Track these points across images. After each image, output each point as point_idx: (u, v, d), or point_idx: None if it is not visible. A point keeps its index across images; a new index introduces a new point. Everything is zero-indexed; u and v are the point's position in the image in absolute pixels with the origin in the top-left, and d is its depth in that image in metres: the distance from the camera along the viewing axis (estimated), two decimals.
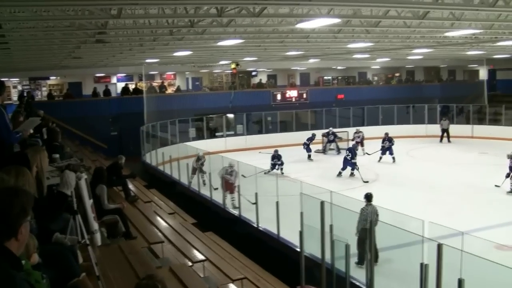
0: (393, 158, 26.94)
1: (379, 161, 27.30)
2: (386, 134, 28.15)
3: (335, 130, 31.74)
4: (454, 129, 35.11)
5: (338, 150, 30.30)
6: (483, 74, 45.73)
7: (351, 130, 31.70)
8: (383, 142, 27.63)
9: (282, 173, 23.44)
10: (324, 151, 31.07)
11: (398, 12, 14.67)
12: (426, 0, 12.46)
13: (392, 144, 27.16)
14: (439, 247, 7.96)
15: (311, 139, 29.04)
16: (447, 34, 18.97)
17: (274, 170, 23.64)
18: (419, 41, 22.57)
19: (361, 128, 31.39)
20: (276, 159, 24.31)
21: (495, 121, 37.12)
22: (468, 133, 35.90)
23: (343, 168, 23.52)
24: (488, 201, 19.04)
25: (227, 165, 17.89)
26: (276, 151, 24.93)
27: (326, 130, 31.61)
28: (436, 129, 35.89)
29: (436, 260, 8.00)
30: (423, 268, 8.28)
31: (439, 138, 34.42)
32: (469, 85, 47.02)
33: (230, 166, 17.77)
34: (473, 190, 20.76)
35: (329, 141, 31.05)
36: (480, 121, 37.57)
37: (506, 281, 7.65)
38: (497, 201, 19.06)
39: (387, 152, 27.10)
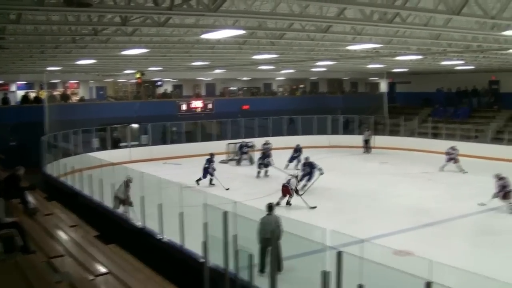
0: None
1: (285, 168, 27.71)
2: (297, 145, 28.91)
3: (240, 140, 32.01)
4: (356, 139, 36.12)
5: (251, 161, 30.50)
6: (383, 86, 47.42)
7: (257, 141, 31.96)
8: (295, 153, 28.50)
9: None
10: (238, 162, 31.04)
11: (302, 25, 14.96)
12: (329, 15, 12.76)
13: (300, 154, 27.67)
14: (339, 254, 8.14)
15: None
16: (349, 47, 19.53)
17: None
18: (322, 54, 23.09)
19: (267, 139, 31.75)
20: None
21: (394, 132, 38.46)
22: (370, 143, 37.02)
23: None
24: (388, 209, 19.67)
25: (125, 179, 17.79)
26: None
27: (239, 141, 31.72)
28: (338, 139, 36.84)
29: (336, 268, 8.18)
30: (324, 275, 8.44)
31: (342, 148, 35.28)
32: (370, 97, 48.52)
33: (125, 181, 17.60)
34: (374, 198, 21.39)
35: (243, 153, 31.13)
36: (381, 132, 38.81)
37: (403, 285, 7.89)
38: (396, 208, 19.73)
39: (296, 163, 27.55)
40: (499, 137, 33.55)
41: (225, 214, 10.58)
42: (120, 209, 17.49)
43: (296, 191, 20.24)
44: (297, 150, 28.84)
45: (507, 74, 38.16)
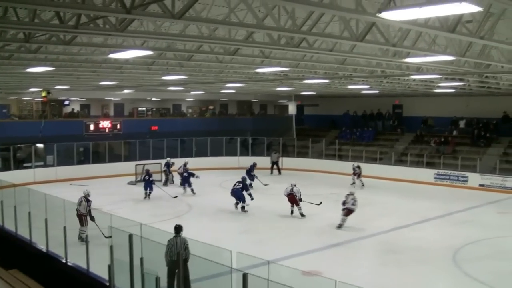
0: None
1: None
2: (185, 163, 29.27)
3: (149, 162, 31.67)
4: (265, 161, 36.42)
5: (172, 181, 30.22)
6: (292, 109, 48.20)
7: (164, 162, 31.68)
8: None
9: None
10: (165, 183, 30.46)
11: (211, 47, 15.03)
12: (237, 37, 12.88)
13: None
14: (244, 276, 8.16)
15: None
16: (258, 70, 19.77)
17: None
18: (231, 76, 23.27)
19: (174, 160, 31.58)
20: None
21: (302, 153, 39.09)
22: (279, 164, 37.47)
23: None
24: (296, 230, 19.93)
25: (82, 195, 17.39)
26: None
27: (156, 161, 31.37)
28: (248, 160, 37.02)
29: None
30: None
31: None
32: (279, 119, 49.26)
33: (84, 196, 17.25)
34: (283, 219, 21.60)
35: (169, 172, 30.63)
36: (289, 153, 39.36)
37: None
38: (304, 229, 20.01)
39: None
40: (402, 159, 34.74)
41: (130, 236, 10.41)
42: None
43: (300, 200, 21.70)
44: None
45: (410, 99, 39.81)
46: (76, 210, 17.14)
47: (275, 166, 36.15)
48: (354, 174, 29.80)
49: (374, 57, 15.21)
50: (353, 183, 29.38)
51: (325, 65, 18.57)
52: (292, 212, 21.98)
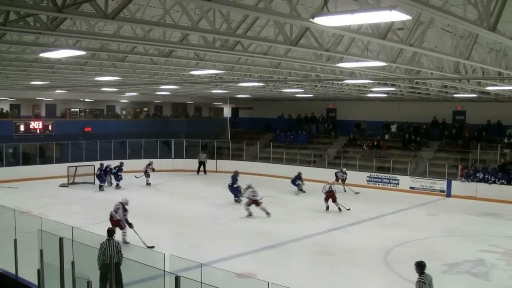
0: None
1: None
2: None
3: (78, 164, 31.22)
4: (195, 162, 36.45)
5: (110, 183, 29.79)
6: (227, 111, 48.28)
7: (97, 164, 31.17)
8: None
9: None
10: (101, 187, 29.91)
11: (145, 49, 14.90)
12: (172, 39, 12.82)
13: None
14: (177, 279, 8.13)
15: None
16: (193, 72, 19.69)
17: None
18: (166, 78, 23.12)
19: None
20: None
21: (237, 156, 39.17)
22: (213, 167, 37.45)
23: None
24: (230, 233, 19.95)
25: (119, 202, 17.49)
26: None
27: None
28: (182, 163, 36.94)
29: None
30: None
31: (186, 172, 35.43)
32: (214, 122, 49.28)
33: (122, 203, 17.33)
34: (216, 222, 21.61)
35: (106, 173, 30.08)
36: (224, 156, 39.38)
37: None
38: (238, 232, 20.06)
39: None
40: (336, 162, 35.24)
41: (60, 240, 10.22)
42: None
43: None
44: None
45: (343, 103, 40.51)
46: (111, 215, 17.25)
47: (201, 167, 36.76)
48: (341, 180, 29.46)
49: (308, 61, 15.36)
50: (345, 191, 28.97)
51: (260, 68, 18.66)
52: (327, 208, 23.64)
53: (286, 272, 14.90)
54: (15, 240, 13.04)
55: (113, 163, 30.51)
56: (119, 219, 17.16)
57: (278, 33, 11.15)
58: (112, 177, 29.44)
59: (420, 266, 10.36)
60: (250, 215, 22.27)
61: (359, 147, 36.81)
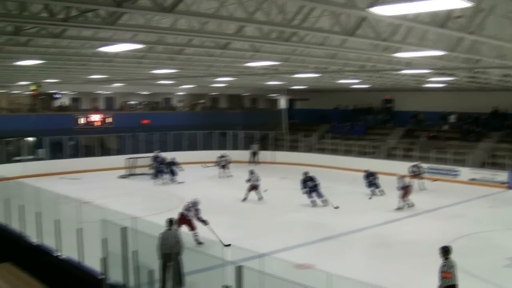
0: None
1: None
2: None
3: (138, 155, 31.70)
4: (258, 154, 36.64)
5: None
6: (283, 103, 48.17)
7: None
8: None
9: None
10: (156, 175, 30.42)
11: (201, 41, 15.01)
12: (228, 31, 12.89)
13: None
14: (239, 269, 8.18)
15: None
16: (248, 64, 19.75)
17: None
18: (222, 70, 23.24)
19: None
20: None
21: (293, 147, 39.14)
22: (270, 158, 37.54)
23: None
24: (287, 224, 19.97)
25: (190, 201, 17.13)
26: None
27: (153, 154, 31.22)
28: (239, 154, 37.10)
29: (236, 282, 8.22)
30: None
31: (242, 164, 35.60)
32: (270, 113, 49.22)
33: (193, 203, 16.99)
34: (273, 213, 21.67)
35: (158, 163, 30.50)
36: (280, 147, 39.40)
37: None
38: (295, 223, 20.08)
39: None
40: (393, 153, 34.82)
41: (123, 229, 10.43)
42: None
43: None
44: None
45: (400, 93, 39.90)
46: (182, 215, 16.65)
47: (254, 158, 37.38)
48: (415, 176, 26.86)
49: (364, 51, 15.23)
50: (425, 188, 27.13)
51: (316, 59, 18.59)
52: (409, 206, 22.47)
53: (344, 264, 14.80)
54: (79, 230, 13.40)
55: (169, 155, 30.85)
56: (190, 219, 16.71)
57: (334, 23, 11.09)
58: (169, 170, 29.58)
59: (446, 251, 10.29)
60: (245, 199, 23.74)
61: (416, 138, 36.27)
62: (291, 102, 48.63)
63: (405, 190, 22.31)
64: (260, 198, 23.75)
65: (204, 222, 16.46)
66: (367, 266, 15.02)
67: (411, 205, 22.44)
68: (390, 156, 34.80)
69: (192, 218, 16.70)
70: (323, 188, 23.24)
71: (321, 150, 38.04)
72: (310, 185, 22.91)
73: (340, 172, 29.09)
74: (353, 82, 30.89)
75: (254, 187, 23.84)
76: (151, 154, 31.09)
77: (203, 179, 29.75)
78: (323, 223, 19.96)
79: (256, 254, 9.00)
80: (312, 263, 13.94)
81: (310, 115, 45.80)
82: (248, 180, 23.89)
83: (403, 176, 22.91)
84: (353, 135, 39.72)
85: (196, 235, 16.23)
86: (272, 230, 18.99)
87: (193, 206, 16.93)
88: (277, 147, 39.44)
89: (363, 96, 41.92)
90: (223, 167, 31.24)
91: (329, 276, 7.29)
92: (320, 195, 22.82)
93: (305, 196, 22.71)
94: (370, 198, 24.92)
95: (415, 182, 25.81)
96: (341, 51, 15.49)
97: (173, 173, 28.71)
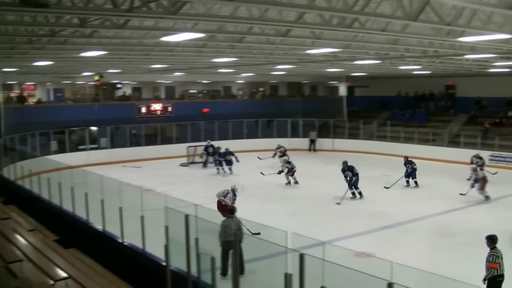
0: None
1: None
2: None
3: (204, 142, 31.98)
4: (316, 142, 36.54)
5: (205, 164, 30.43)
6: (342, 90, 47.88)
7: (217, 144, 31.95)
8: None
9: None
10: (205, 164, 30.87)
11: (261, 29, 15.00)
12: (288, 19, 12.84)
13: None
14: (301, 257, 8.17)
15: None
16: (308, 51, 19.65)
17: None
18: (282, 58, 23.18)
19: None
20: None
21: (353, 135, 38.85)
22: (330, 146, 37.37)
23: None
24: (347, 212, 19.89)
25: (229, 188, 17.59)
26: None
27: (205, 143, 31.50)
28: (299, 142, 37.08)
29: (299, 270, 8.21)
30: (287, 277, 8.46)
31: (301, 152, 35.57)
32: (330, 101, 48.92)
33: (232, 190, 17.48)
34: (332, 201, 21.57)
35: (209, 154, 30.83)
36: (340, 135, 39.16)
37: (365, 287, 7.98)
38: (355, 211, 19.97)
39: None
40: (456, 140, 34.15)
41: (186, 217, 10.54)
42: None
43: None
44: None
45: (463, 79, 38.96)
46: (219, 201, 17.11)
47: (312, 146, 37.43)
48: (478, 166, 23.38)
49: (426, 36, 14.93)
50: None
51: (376, 45, 18.34)
52: (487, 198, 21.42)
53: (405, 253, 14.64)
54: (142, 217, 13.64)
55: (229, 143, 31.02)
56: (227, 204, 16.93)
57: (396, 8, 10.91)
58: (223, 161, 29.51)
59: (492, 240, 10.09)
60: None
61: (480, 125, 35.42)
62: (350, 89, 48.26)
63: (483, 181, 21.43)
64: (295, 182, 24.92)
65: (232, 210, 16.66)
66: (429, 256, 14.81)
67: (487, 198, 21.53)
68: (452, 143, 34.11)
69: (228, 204, 16.90)
70: (382, 175, 22.99)
71: (381, 138, 37.60)
72: (349, 176, 22.52)
73: (400, 159, 28.60)
74: (415, 68, 30.37)
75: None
76: (212, 143, 31.39)
77: (262, 168, 29.82)
78: (383, 211, 19.77)
79: (316, 242, 8.98)
80: (372, 251, 13.83)
81: (370, 102, 45.34)
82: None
83: (476, 168, 22.00)
84: (414, 122, 39.17)
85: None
86: (331, 218, 18.96)
87: (232, 193, 17.32)
88: (336, 134, 39.20)
89: (424, 82, 41.19)
90: (280, 157, 30.90)
91: (392, 265, 7.20)
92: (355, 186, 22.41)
93: (368, 184, 22.47)
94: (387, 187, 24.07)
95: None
96: (402, 36, 15.20)
97: (229, 163, 28.72)
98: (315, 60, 24.39)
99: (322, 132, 39.11)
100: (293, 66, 28.78)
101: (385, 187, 22.63)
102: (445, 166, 29.18)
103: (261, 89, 53.16)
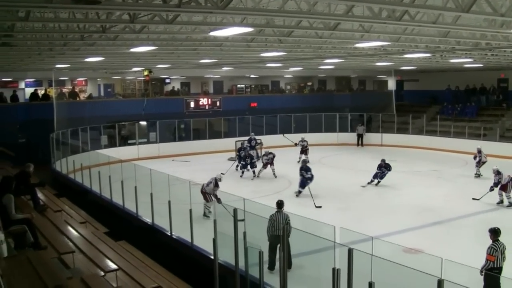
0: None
1: None
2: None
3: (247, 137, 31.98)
4: (364, 137, 36.25)
5: (258, 157, 30.36)
6: (391, 84, 47.35)
7: (264, 138, 31.99)
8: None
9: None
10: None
11: (310, 22, 14.93)
12: (337, 12, 12.74)
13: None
14: (350, 251, 8.13)
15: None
16: (357, 45, 19.49)
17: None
18: (330, 52, 23.03)
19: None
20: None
21: (402, 130, 38.39)
22: (378, 141, 37.03)
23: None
24: (396, 207, 19.67)
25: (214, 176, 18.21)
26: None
27: (247, 138, 31.48)
28: (347, 137, 36.87)
29: (347, 265, 8.17)
30: (335, 272, 8.43)
31: (350, 146, 35.36)
32: (378, 95, 48.50)
33: (215, 179, 18.06)
34: (382, 196, 21.41)
35: (252, 148, 30.81)
36: (389, 129, 38.75)
37: (414, 283, 7.89)
38: (404, 207, 19.73)
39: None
40: (508, 135, 33.43)
41: (235, 211, 10.59)
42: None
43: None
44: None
45: None
46: (202, 187, 17.91)
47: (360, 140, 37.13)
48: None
49: (479, 28, 14.63)
50: None
51: (427, 38, 18.03)
52: (501, 202, 19.92)
53: (454, 250, 14.39)
54: (190, 211, 13.77)
55: (277, 138, 30.98)
56: (207, 192, 17.69)
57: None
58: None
59: (495, 233, 9.89)
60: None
61: None
62: (399, 83, 47.71)
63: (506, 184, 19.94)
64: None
65: (218, 200, 16.80)
66: (479, 253, 14.52)
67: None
68: (504, 138, 33.37)
69: (209, 192, 17.63)
70: (432, 170, 22.63)
71: (431, 132, 37.02)
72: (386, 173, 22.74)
73: (450, 154, 28.19)
74: (466, 62, 29.78)
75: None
76: (260, 137, 31.39)
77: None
78: (432, 207, 19.47)
79: (364, 238, 8.92)
80: (420, 247, 13.64)
81: (419, 97, 44.78)
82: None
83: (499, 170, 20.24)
84: (464, 116, 38.48)
85: (207, 208, 17.45)
86: (379, 214, 18.79)
87: (214, 182, 17.84)
88: (384, 129, 38.79)
89: (475, 76, 40.41)
90: (304, 152, 30.12)
91: (442, 261, 7.09)
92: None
93: (417, 180, 22.15)
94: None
95: None
96: (454, 28, 14.93)
97: (253, 165, 27.98)
98: (363, 54, 24.15)
99: (368, 126, 38.76)
100: (341, 60, 28.56)
101: (473, 199, 21.38)
102: (496, 161, 28.51)
103: (309, 83, 52.99)
